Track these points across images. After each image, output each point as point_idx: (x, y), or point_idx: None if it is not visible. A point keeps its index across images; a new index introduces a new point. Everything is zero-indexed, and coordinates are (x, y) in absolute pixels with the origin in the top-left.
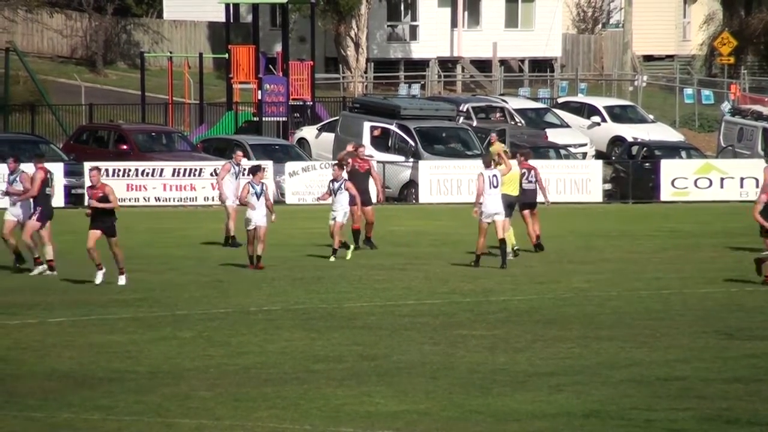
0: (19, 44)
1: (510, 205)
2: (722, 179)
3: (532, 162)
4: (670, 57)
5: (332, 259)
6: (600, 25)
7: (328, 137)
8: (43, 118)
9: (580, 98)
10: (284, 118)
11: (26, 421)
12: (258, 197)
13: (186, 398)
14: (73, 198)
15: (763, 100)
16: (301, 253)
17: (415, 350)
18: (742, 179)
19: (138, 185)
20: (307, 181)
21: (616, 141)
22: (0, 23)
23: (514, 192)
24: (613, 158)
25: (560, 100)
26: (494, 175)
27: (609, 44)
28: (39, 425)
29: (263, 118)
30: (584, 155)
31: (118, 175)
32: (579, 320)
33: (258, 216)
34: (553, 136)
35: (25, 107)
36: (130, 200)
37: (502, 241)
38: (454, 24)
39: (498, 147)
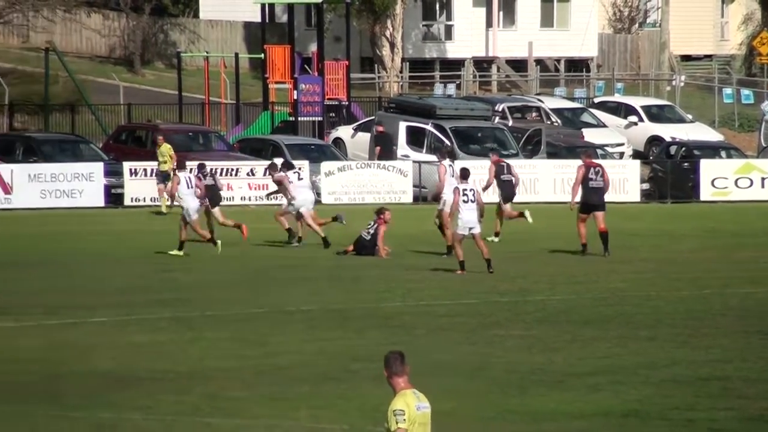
0: (58, 44)
1: None
2: (763, 179)
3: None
4: (708, 57)
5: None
6: (637, 25)
7: (364, 137)
8: (83, 117)
9: (617, 98)
10: (320, 118)
11: (69, 421)
12: None
13: (224, 398)
14: (113, 198)
15: None
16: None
17: (452, 350)
18: None
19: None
20: (343, 181)
21: (654, 141)
22: (39, 23)
23: None
24: (651, 158)
25: (597, 100)
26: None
27: (646, 44)
28: (81, 425)
29: (299, 118)
30: (621, 155)
31: (155, 175)
32: (617, 320)
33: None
34: (590, 135)
35: (65, 107)
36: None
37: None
38: (489, 24)
39: (165, 147)
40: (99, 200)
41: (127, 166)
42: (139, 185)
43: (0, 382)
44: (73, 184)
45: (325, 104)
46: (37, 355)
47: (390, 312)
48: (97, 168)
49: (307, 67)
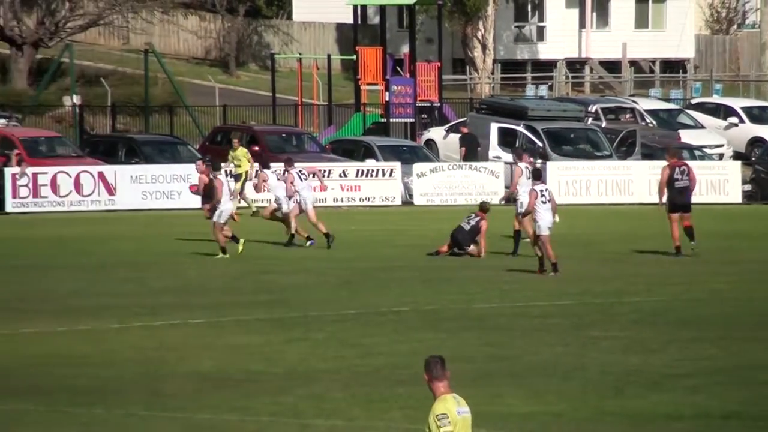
0: (157, 46)
1: None
2: None
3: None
4: None
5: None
6: (735, 26)
7: (456, 138)
8: (181, 119)
9: (716, 99)
10: (412, 120)
11: (169, 422)
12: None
13: (320, 399)
14: (206, 199)
15: None
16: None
17: (546, 351)
18: None
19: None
20: (436, 182)
21: (756, 142)
22: (138, 25)
23: None
24: (753, 159)
25: (694, 101)
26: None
27: (745, 45)
28: (181, 426)
29: (391, 120)
30: (721, 156)
31: (251, 177)
32: (717, 322)
33: None
34: (687, 137)
35: (164, 108)
36: (262, 201)
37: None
38: (582, 25)
39: (242, 152)
40: (196, 201)
41: (223, 167)
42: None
43: (103, 384)
44: (171, 186)
45: (416, 106)
46: (138, 355)
47: (483, 313)
48: (195, 169)
49: (399, 69)
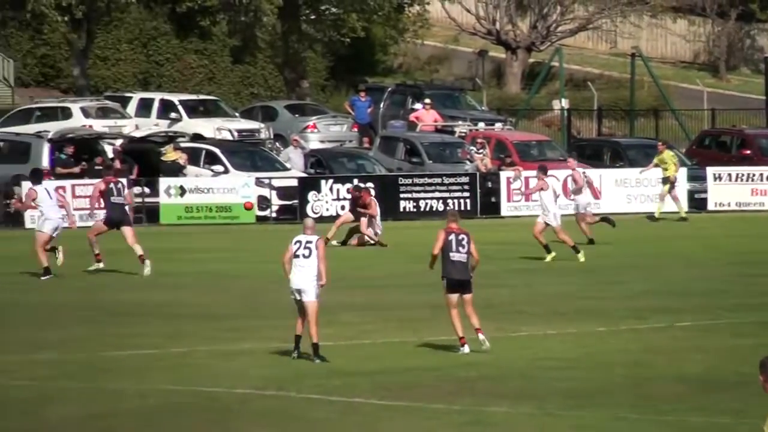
0: (644, 50)
1: None
2: None
3: None
4: None
5: None
6: None
7: None
8: (666, 123)
9: None
10: None
11: (659, 425)
12: None
13: None
14: (697, 203)
15: None
16: None
17: None
18: None
19: (763, 190)
20: None
21: None
22: (626, 29)
23: None
24: None
25: None
26: None
27: None
28: (671, 428)
29: None
30: None
31: (742, 180)
32: None
33: None
34: None
35: (649, 112)
36: (754, 205)
37: None
38: None
39: (668, 155)
40: (683, 204)
41: (710, 171)
42: (724, 190)
43: (591, 387)
44: (656, 189)
45: None
46: (625, 358)
47: None
48: (680, 173)
49: None
